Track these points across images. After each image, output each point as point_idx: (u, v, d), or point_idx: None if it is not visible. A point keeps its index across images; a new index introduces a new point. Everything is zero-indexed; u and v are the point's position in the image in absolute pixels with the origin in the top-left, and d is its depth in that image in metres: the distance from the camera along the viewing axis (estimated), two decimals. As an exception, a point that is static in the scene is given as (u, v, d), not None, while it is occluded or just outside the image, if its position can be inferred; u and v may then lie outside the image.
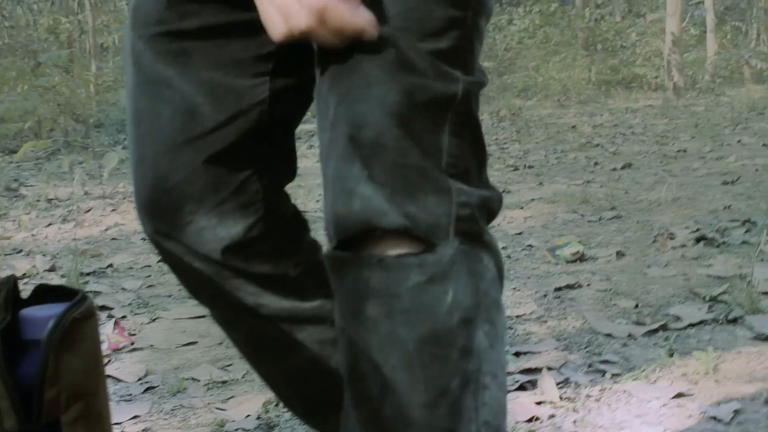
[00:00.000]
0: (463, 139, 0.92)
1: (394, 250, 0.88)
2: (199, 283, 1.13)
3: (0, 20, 16.70)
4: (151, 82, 1.07)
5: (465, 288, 0.87)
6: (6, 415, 0.89)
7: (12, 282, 1.00)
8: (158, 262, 3.52)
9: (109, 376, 2.22)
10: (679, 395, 1.93)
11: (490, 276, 0.91)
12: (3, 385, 0.89)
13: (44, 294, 1.02)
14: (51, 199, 5.51)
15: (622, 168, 5.94)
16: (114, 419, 1.13)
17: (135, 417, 1.96)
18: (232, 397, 2.05)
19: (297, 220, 1.20)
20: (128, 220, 4.64)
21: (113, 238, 4.22)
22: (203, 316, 2.68)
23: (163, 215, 1.08)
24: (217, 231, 1.08)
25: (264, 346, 1.18)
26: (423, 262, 0.87)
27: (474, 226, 0.90)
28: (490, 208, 0.95)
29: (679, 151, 6.75)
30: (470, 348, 0.86)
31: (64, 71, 12.05)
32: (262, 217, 1.10)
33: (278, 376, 1.22)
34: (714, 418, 1.80)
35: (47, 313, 0.94)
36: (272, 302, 1.13)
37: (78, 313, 0.95)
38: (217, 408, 2.00)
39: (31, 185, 6.25)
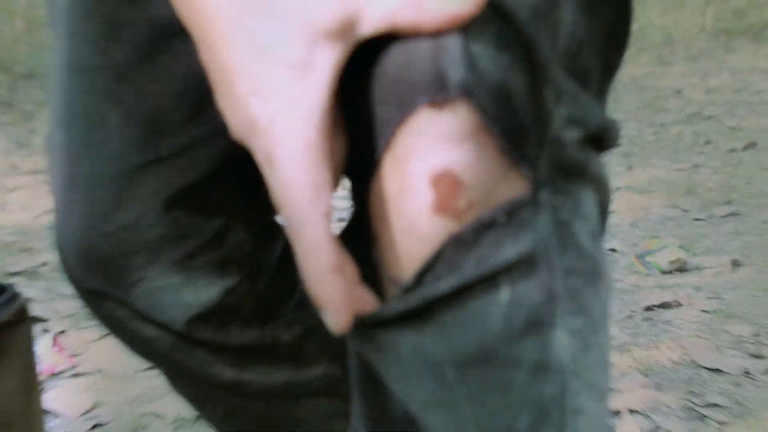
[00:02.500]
0: (598, 20, 0.81)
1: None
2: (151, 354, 1.09)
3: None
4: (97, 67, 0.98)
5: (542, 276, 0.75)
6: None
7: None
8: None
9: (43, 410, 2.28)
10: None
11: (586, 232, 0.78)
12: None
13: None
14: None
15: (744, 148, 5.86)
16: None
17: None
18: None
19: (287, 260, 1.13)
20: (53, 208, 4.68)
21: (48, 227, 4.25)
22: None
23: (99, 268, 1.03)
24: (181, 294, 1.03)
25: (250, 428, 1.15)
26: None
27: (579, 157, 0.78)
28: (607, 139, 0.84)
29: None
30: (545, 362, 0.74)
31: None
32: (248, 276, 1.06)
33: None
34: None
35: None
36: (259, 377, 1.09)
37: (6, 315, 0.99)
38: None
39: (-63, 155, 6.32)
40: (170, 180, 0.99)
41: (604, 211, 0.82)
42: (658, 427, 2.09)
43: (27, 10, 12.45)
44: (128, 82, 0.98)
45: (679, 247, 3.47)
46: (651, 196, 4.55)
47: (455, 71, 0.69)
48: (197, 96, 0.86)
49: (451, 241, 0.71)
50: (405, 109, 0.70)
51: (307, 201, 0.70)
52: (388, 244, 0.75)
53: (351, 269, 0.75)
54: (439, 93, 0.69)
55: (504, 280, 0.72)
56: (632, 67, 12.20)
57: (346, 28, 0.69)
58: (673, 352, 2.54)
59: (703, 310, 2.87)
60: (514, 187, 0.72)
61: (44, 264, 3.61)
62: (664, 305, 2.94)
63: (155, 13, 0.82)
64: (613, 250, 3.59)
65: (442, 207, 0.71)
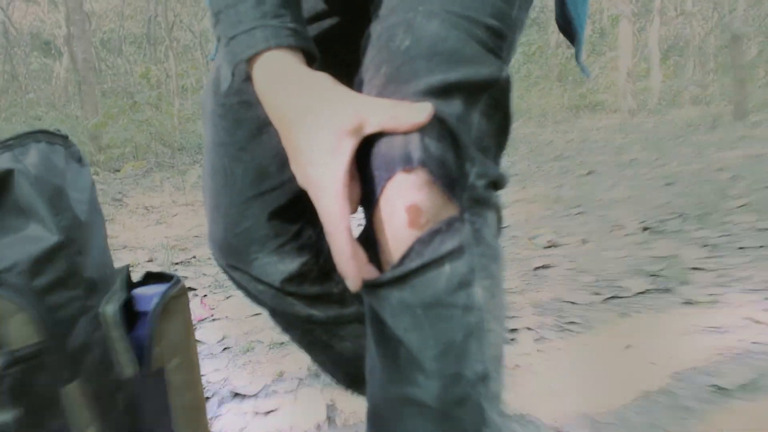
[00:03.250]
0: (492, 122, 0.82)
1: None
2: (262, 300, 1.09)
3: (105, 69, 16.79)
4: (229, 143, 1.00)
5: (466, 258, 0.78)
6: (126, 365, 0.93)
7: (126, 270, 1.05)
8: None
9: (196, 339, 2.29)
10: (627, 347, 1.95)
11: (490, 232, 0.81)
12: (123, 343, 0.93)
13: (149, 278, 1.06)
14: (147, 207, 5.54)
15: (587, 174, 5.88)
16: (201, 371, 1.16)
17: (216, 369, 2.00)
18: (288, 355, 2.08)
19: None
20: (206, 221, 4.68)
21: (195, 236, 4.25)
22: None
23: (232, 253, 1.04)
24: (277, 266, 1.03)
25: (315, 341, 1.15)
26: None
27: (484, 194, 0.80)
28: (500, 183, 0.85)
29: (631, 160, 6.68)
30: (471, 304, 0.77)
31: (154, 108, 12.12)
32: (314, 254, 1.05)
33: (326, 360, 1.19)
34: (652, 362, 1.83)
35: (153, 292, 0.98)
36: (320, 312, 1.09)
37: (174, 292, 0.99)
38: (277, 363, 2.03)
39: (131, 196, 6.30)
40: (269, 204, 1.01)
41: (500, 221, 0.85)
42: (541, 337, 2.09)
43: (179, 112, 12.40)
44: (245, 151, 1.01)
45: (552, 232, 3.47)
46: (535, 204, 4.55)
47: (416, 153, 0.74)
48: (283, 157, 0.86)
49: (417, 240, 0.74)
50: (390, 172, 0.75)
51: (337, 220, 0.75)
52: (383, 243, 0.78)
53: (362, 255, 0.79)
54: (408, 164, 0.74)
55: (446, 260, 0.76)
56: (523, 129, 12.18)
57: (357, 130, 0.74)
58: (549, 293, 2.54)
59: (566, 269, 2.86)
60: (450, 211, 0.76)
61: (193, 257, 3.60)
62: (544, 266, 2.93)
63: (259, 113, 0.82)
64: (515, 235, 3.58)
65: (412, 223, 0.74)
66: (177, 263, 3.46)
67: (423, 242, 0.75)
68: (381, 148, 0.75)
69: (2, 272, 0.85)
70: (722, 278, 2.54)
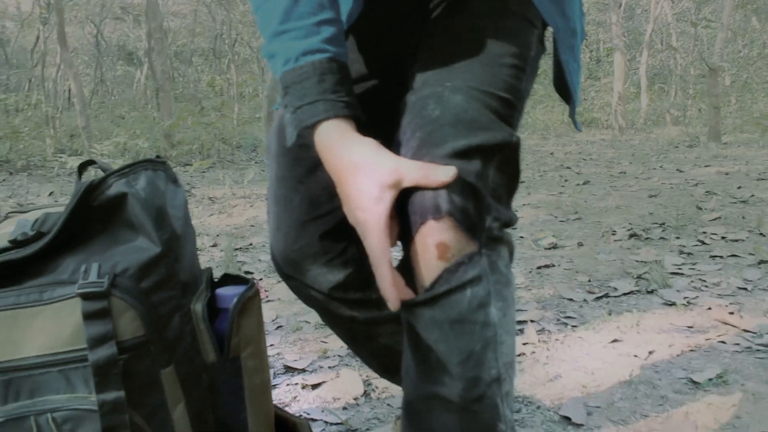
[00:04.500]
0: (505, 174, 0.84)
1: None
2: (313, 303, 1.10)
3: (177, 77, 16.90)
4: (289, 177, 1.03)
5: (484, 284, 0.81)
6: (210, 352, 0.96)
7: (209, 271, 1.08)
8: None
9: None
10: (614, 341, 1.96)
11: (503, 263, 0.84)
12: (208, 334, 0.96)
13: (228, 279, 1.10)
14: (211, 198, 5.59)
15: (583, 184, 5.82)
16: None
17: (271, 345, 2.03)
18: (331, 335, 2.08)
19: None
20: (261, 212, 4.72)
21: (251, 225, 4.28)
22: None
23: (290, 265, 1.05)
24: (327, 277, 1.04)
25: (356, 337, 1.15)
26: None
27: (498, 233, 0.83)
28: (511, 223, 0.87)
29: (621, 172, 6.64)
30: (488, 321, 0.81)
31: (217, 111, 12.21)
32: (357, 267, 1.05)
33: (365, 353, 1.19)
34: (635, 355, 1.85)
35: (232, 292, 1.00)
36: (360, 314, 1.09)
37: (250, 294, 1.02)
38: (322, 341, 2.05)
39: (198, 188, 6.36)
40: (321, 226, 1.02)
41: (511, 253, 0.90)
42: (543, 328, 2.10)
43: (238, 116, 12.47)
44: (303, 183, 1.02)
45: (553, 235, 3.46)
46: (539, 209, 4.51)
47: (444, 204, 0.78)
48: (333, 190, 0.88)
49: (444, 270, 0.79)
50: (423, 218, 0.80)
51: (379, 255, 0.79)
52: (418, 271, 0.82)
53: (400, 280, 0.82)
54: (437, 214, 0.79)
55: (468, 286, 0.80)
56: (528, 141, 12.12)
57: (396, 184, 0.78)
58: (550, 290, 2.53)
59: (565, 269, 2.85)
60: (471, 247, 0.80)
61: (250, 244, 3.62)
62: (546, 266, 2.91)
63: (314, 154, 0.84)
64: (521, 237, 3.57)
65: (441, 257, 0.78)
66: (237, 249, 3.48)
67: (450, 272, 0.79)
68: (416, 199, 0.79)
69: (117, 276, 0.89)
70: (697, 283, 2.53)
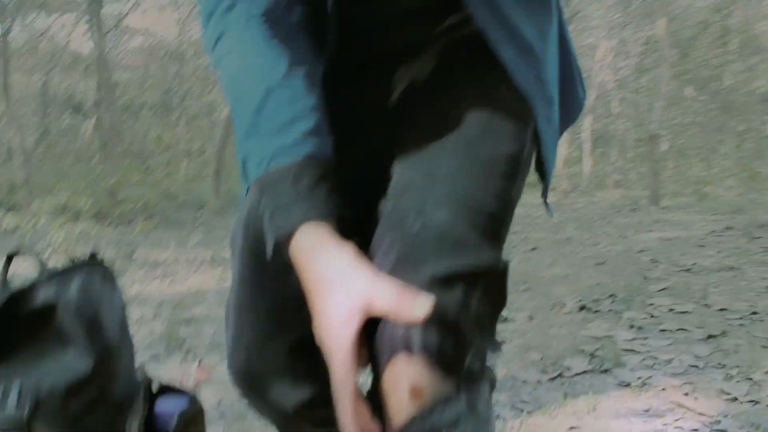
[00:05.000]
0: (490, 300, 0.77)
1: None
2: (275, 422, 1.03)
3: (126, 130, 16.69)
4: (254, 280, 0.93)
5: (461, 427, 0.72)
6: None
7: (147, 382, 0.99)
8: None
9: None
10: (571, 428, 1.91)
11: (483, 402, 0.77)
12: None
13: (167, 390, 1.01)
14: (154, 261, 5.40)
15: (531, 250, 5.80)
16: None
17: (213, 435, 1.92)
18: None
19: None
20: (206, 278, 4.57)
21: (194, 293, 4.10)
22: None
23: (252, 380, 0.96)
24: (291, 394, 0.96)
25: None
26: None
27: (479, 370, 0.76)
28: (495, 351, 0.81)
29: (567, 238, 6.69)
30: None
31: (165, 168, 12.07)
32: (325, 382, 0.90)
33: None
34: (594, 446, 1.80)
35: (172, 408, 0.93)
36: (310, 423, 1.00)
37: (192, 411, 0.94)
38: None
39: (141, 250, 6.15)
40: (289, 339, 0.93)
41: (492, 386, 0.81)
42: (498, 415, 2.03)
43: (186, 171, 12.32)
44: (270, 288, 0.92)
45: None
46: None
47: (417, 341, 0.71)
48: (303, 297, 0.76)
49: (417, 414, 0.70)
50: (393, 352, 0.72)
51: (342, 385, 0.70)
52: (388, 406, 0.74)
53: (365, 412, 0.72)
54: (408, 350, 0.71)
55: (443, 428, 0.71)
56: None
57: (365, 310, 0.68)
58: (503, 370, 2.47)
59: (517, 345, 2.79)
60: (447, 387, 0.71)
61: (193, 316, 3.47)
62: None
63: (285, 257, 0.75)
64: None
65: (412, 398, 0.71)
66: (179, 322, 3.34)
67: (423, 416, 0.71)
68: (386, 329, 0.72)
69: (42, 399, 0.79)
70: (649, 360, 2.51)
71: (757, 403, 2.03)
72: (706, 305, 3.40)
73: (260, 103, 0.74)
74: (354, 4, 0.84)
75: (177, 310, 3.57)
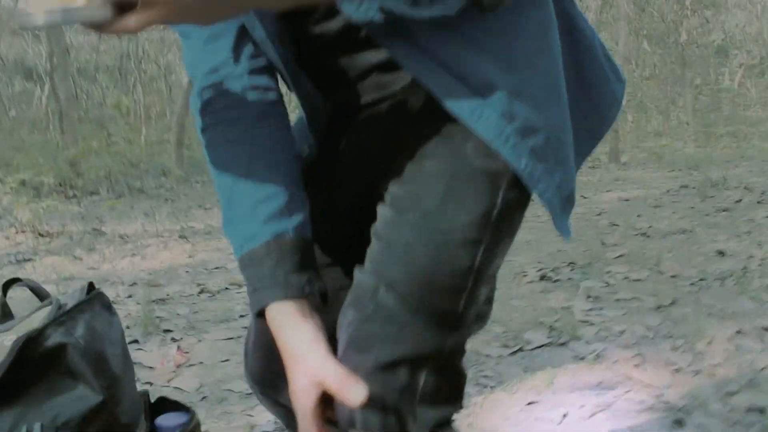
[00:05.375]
0: (442, 373, 0.82)
1: None
2: (288, 423, 1.04)
3: (82, 95, 16.35)
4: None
5: None
6: None
7: (146, 396, 1.10)
8: (199, 294, 3.55)
9: (177, 388, 2.28)
10: (530, 403, 2.03)
11: None
12: None
13: (165, 404, 1.11)
14: (122, 235, 5.36)
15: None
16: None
17: (196, 421, 2.01)
18: (257, 405, 2.04)
19: None
20: (176, 254, 4.58)
21: (166, 270, 4.13)
22: (232, 338, 2.74)
23: (267, 384, 1.00)
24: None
25: None
26: None
27: None
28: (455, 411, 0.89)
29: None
30: None
31: (125, 137, 11.90)
32: None
33: None
34: (551, 419, 1.94)
35: (173, 424, 1.03)
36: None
37: (190, 427, 1.04)
38: (248, 414, 2.04)
39: (108, 224, 6.08)
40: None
41: None
42: (463, 390, 2.15)
43: (146, 137, 12.13)
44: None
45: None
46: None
47: (359, 421, 0.79)
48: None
49: None
50: (343, 425, 0.81)
51: None
52: None
53: None
54: (352, 427, 0.81)
55: None
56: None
57: (319, 384, 0.79)
58: (468, 345, 2.59)
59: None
60: None
61: (167, 295, 3.51)
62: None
63: None
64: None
65: None
66: (153, 301, 3.39)
67: None
68: (338, 404, 0.81)
69: (59, 428, 0.90)
70: (603, 332, 2.66)
71: (698, 373, 2.19)
72: (659, 272, 3.56)
73: (229, 196, 0.85)
74: (319, 72, 0.88)
75: (150, 290, 3.62)
